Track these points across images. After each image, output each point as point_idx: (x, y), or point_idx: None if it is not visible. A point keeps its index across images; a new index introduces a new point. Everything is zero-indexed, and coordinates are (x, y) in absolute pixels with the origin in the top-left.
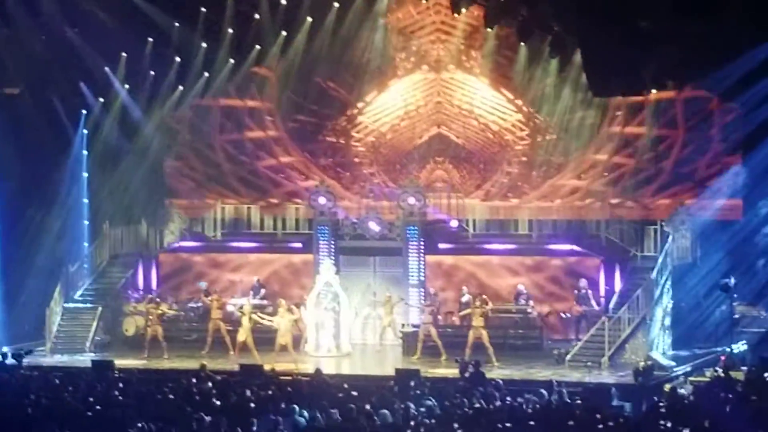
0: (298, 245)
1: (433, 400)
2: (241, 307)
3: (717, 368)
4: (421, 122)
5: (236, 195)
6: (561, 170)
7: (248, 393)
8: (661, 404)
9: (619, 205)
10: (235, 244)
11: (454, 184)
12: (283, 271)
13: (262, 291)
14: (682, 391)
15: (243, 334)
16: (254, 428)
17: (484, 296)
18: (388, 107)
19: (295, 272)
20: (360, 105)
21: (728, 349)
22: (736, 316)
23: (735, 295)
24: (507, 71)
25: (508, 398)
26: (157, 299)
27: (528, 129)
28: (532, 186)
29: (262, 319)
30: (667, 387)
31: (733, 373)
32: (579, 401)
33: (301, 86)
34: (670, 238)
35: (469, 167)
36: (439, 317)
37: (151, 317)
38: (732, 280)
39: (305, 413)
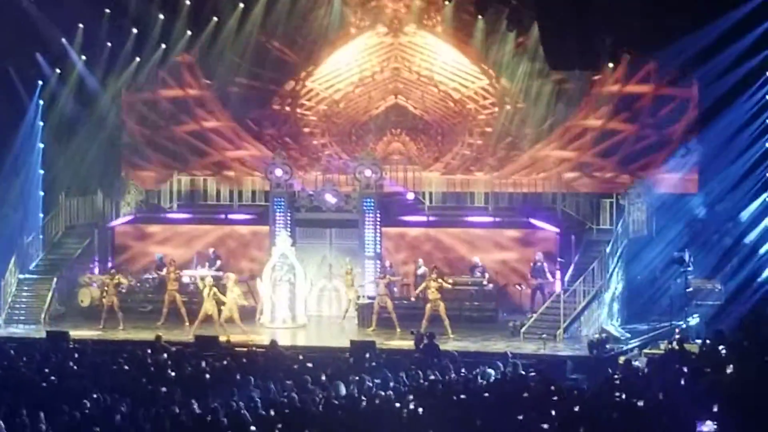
0: (254, 217)
1: (388, 372)
2: (203, 280)
3: (671, 341)
4: (377, 90)
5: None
6: (530, 141)
7: (203, 364)
8: (615, 376)
9: (575, 179)
10: (190, 215)
11: (411, 156)
12: (239, 243)
13: (218, 262)
14: (636, 363)
15: (228, 309)
16: (209, 399)
17: (438, 269)
18: (341, 73)
19: (250, 244)
20: (310, 69)
21: (682, 323)
22: (691, 289)
23: (690, 269)
24: (469, 34)
25: (463, 370)
26: (113, 270)
27: (492, 97)
28: (496, 158)
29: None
30: (621, 359)
31: (687, 346)
32: (534, 374)
33: (245, 48)
34: (626, 211)
35: (427, 139)
36: (395, 289)
37: (106, 288)
38: (687, 254)
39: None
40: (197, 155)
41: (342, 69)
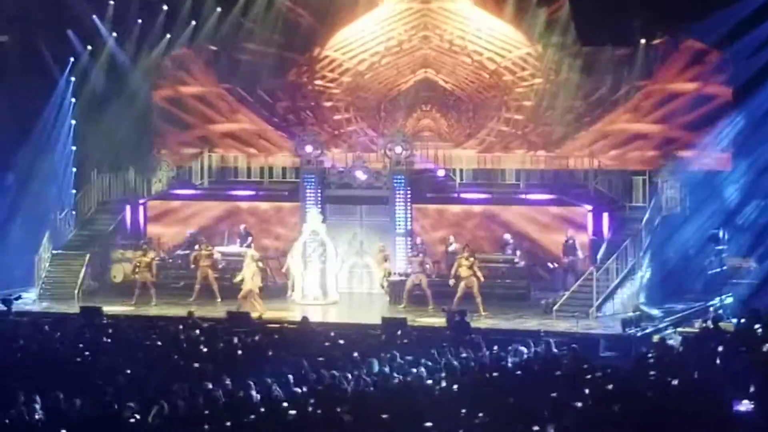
0: (284, 193)
1: (420, 350)
2: (233, 255)
3: (706, 320)
4: (405, 61)
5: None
6: (578, 114)
7: (235, 340)
8: (649, 355)
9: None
10: (221, 192)
11: (442, 133)
12: (270, 219)
13: (249, 239)
14: (670, 342)
15: (248, 284)
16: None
17: (469, 247)
18: (366, 42)
19: (281, 220)
20: (331, 36)
21: (717, 301)
22: (726, 267)
23: (725, 247)
24: (500, 7)
25: (495, 348)
26: (145, 246)
27: (532, 68)
28: (536, 134)
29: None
30: (655, 338)
31: (722, 325)
32: (566, 352)
33: (256, 11)
34: (659, 189)
35: (458, 115)
36: (427, 266)
37: (138, 264)
38: (721, 232)
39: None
40: (178, 128)
41: (367, 37)
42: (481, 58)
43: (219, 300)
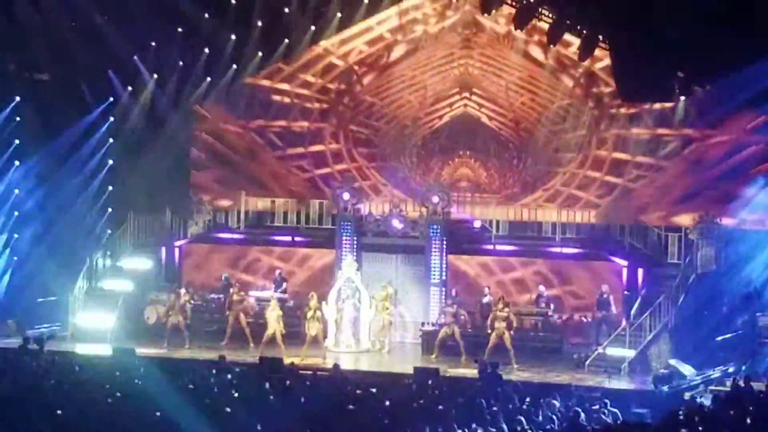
0: (321, 240)
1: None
2: (267, 300)
3: (738, 379)
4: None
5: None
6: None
7: (267, 385)
8: (680, 412)
9: (643, 212)
10: (258, 236)
11: (480, 183)
12: (306, 266)
13: (284, 284)
14: (701, 400)
15: (271, 328)
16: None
17: (504, 298)
18: (404, 87)
19: (317, 267)
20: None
21: (750, 360)
22: (761, 326)
23: (758, 305)
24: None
25: (527, 400)
26: (179, 289)
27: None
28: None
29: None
30: (686, 395)
31: (754, 384)
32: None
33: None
34: (695, 245)
35: (499, 164)
36: (462, 317)
37: (172, 307)
38: (755, 290)
39: None
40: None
41: (406, 82)
42: (524, 102)
43: (252, 345)
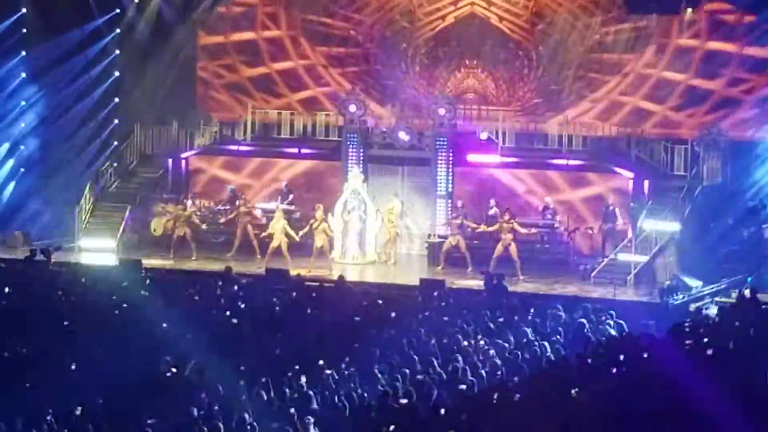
0: (327, 152)
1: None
2: (273, 212)
3: (743, 290)
4: None
5: (254, 99)
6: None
7: (274, 298)
8: (686, 324)
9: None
10: (263, 148)
11: (487, 95)
12: (312, 177)
13: (290, 196)
14: (707, 311)
15: (276, 240)
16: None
17: (510, 210)
18: None
19: (323, 178)
20: None
21: (755, 272)
22: (766, 237)
23: (765, 218)
24: None
25: (531, 311)
26: (186, 200)
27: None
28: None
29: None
30: (692, 307)
31: (759, 296)
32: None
33: None
34: (701, 158)
35: (508, 73)
36: (468, 229)
37: (179, 218)
38: (761, 202)
39: None
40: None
41: None
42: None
43: (258, 256)
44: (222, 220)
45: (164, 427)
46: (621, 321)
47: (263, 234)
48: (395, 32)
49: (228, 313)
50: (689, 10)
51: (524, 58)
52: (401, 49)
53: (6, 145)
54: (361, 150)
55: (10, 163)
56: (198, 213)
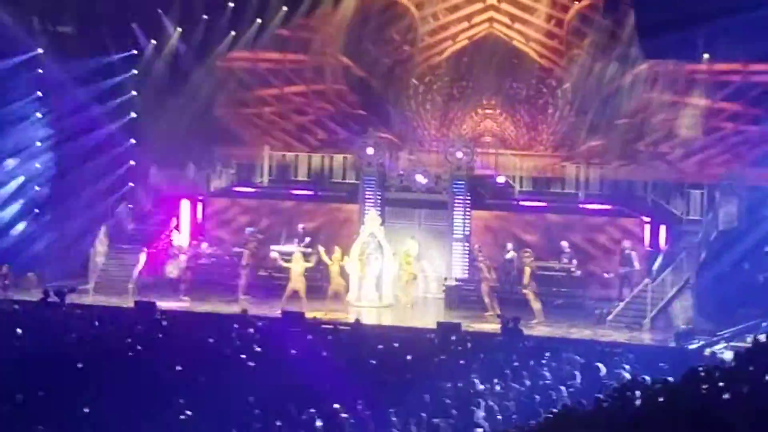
0: (344, 195)
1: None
2: (290, 254)
3: (758, 335)
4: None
5: (281, 144)
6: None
7: (289, 340)
8: (700, 368)
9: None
10: (281, 191)
11: (506, 138)
12: (329, 220)
13: (307, 239)
14: (722, 356)
15: (294, 281)
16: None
17: (530, 253)
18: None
19: (340, 221)
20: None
21: None
22: None
23: None
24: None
25: (548, 355)
26: (203, 243)
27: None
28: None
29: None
30: (707, 352)
31: None
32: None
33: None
34: (717, 202)
35: (529, 115)
36: (485, 273)
37: (195, 260)
38: None
39: None
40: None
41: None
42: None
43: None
44: (244, 263)
45: None
46: (636, 365)
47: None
48: (398, 61)
49: (243, 356)
50: (706, 55)
51: (548, 96)
52: (410, 85)
53: (19, 180)
54: (379, 193)
55: (24, 202)
56: (215, 255)
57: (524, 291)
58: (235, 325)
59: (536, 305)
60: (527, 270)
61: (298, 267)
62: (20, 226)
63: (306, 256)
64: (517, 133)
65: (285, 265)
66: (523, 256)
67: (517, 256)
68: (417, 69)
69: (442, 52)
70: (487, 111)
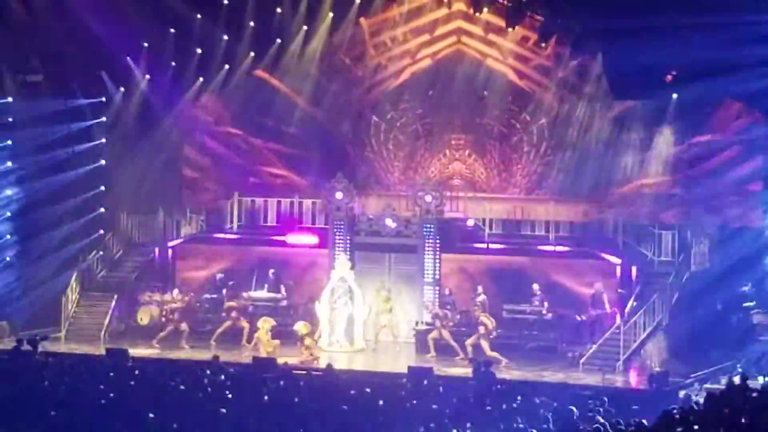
0: (312, 244)
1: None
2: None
3: (733, 376)
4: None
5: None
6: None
7: (262, 387)
8: (675, 411)
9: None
10: (250, 236)
11: (475, 180)
12: (298, 265)
13: (279, 285)
14: (696, 398)
15: (268, 346)
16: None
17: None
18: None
19: (310, 267)
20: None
21: (744, 358)
22: (755, 323)
23: (753, 303)
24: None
25: (519, 398)
26: (172, 290)
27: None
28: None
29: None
30: (681, 393)
31: (749, 382)
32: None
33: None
34: (688, 243)
35: (500, 156)
36: (457, 316)
37: (166, 307)
38: (749, 288)
39: None
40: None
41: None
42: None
43: (244, 344)
44: (215, 309)
45: None
46: (610, 408)
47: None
48: (346, 83)
49: (215, 402)
50: (674, 95)
51: (522, 133)
52: (372, 123)
53: None
54: (348, 237)
55: None
56: (184, 302)
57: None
58: (207, 372)
59: (487, 349)
60: (479, 316)
61: (263, 334)
62: None
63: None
64: (488, 175)
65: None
66: (476, 301)
67: (486, 300)
68: (376, 94)
69: (399, 74)
70: (456, 153)
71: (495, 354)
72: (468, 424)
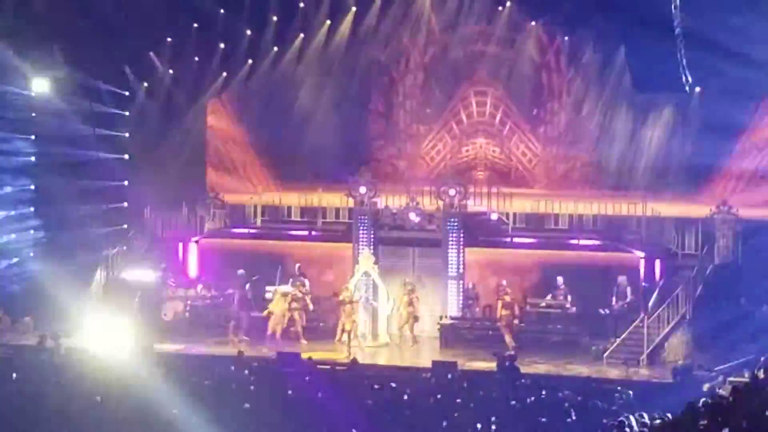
0: (338, 234)
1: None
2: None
3: (756, 369)
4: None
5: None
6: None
7: (285, 381)
8: (700, 404)
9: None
10: (274, 231)
11: (499, 170)
12: (322, 260)
13: (303, 278)
14: (721, 391)
15: (274, 323)
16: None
17: (502, 286)
18: None
19: (334, 261)
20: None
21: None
22: None
23: None
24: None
25: (544, 393)
26: (197, 285)
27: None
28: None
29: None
30: (705, 387)
31: None
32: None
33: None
34: (713, 237)
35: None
36: (477, 309)
37: (191, 302)
38: None
39: None
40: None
41: None
42: None
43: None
44: (239, 304)
45: None
46: (634, 401)
47: (264, 313)
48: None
49: (240, 397)
50: (697, 88)
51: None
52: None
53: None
54: (372, 231)
55: (20, 246)
56: (209, 297)
57: (498, 324)
58: (231, 367)
59: (507, 338)
60: (499, 303)
61: (278, 309)
62: (19, 271)
63: (289, 295)
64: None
65: (268, 309)
66: (499, 290)
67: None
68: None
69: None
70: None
71: (508, 339)
72: (492, 418)
